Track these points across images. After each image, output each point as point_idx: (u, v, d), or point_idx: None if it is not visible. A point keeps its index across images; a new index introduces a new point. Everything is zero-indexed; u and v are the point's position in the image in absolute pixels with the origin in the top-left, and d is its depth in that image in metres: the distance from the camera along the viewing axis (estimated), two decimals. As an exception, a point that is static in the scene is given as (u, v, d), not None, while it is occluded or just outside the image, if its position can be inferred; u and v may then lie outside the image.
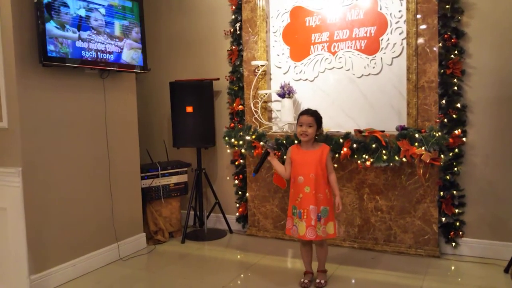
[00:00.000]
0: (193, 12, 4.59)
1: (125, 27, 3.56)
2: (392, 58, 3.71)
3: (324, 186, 3.00)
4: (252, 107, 4.15)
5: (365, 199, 3.76)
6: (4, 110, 2.99)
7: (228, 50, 4.39)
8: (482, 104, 3.43)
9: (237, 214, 4.45)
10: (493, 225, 3.47)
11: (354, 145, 3.51)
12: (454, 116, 3.45)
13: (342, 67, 3.91)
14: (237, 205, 4.45)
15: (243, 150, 4.06)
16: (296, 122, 3.09)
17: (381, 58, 3.75)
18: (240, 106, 4.30)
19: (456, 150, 3.48)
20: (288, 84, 3.99)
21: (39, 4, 2.92)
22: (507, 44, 3.33)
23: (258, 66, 4.12)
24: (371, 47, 3.79)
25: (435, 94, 3.47)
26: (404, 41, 3.62)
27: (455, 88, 3.44)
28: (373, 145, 3.45)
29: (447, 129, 3.46)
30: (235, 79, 4.34)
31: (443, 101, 3.47)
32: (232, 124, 4.35)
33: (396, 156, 3.38)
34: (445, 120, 3.47)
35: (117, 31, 3.49)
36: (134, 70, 3.72)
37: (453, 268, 3.37)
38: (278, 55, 4.20)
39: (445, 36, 3.42)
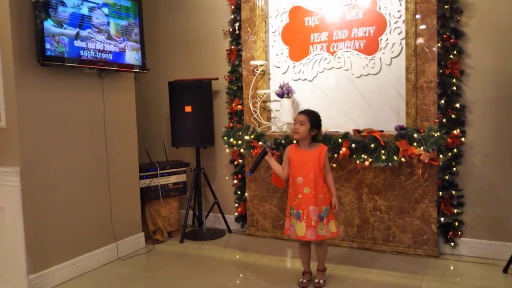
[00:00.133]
0: (192, 11, 4.59)
1: (123, 26, 3.55)
2: (391, 58, 3.72)
3: (323, 186, 3.00)
4: (251, 107, 4.15)
5: (364, 199, 3.76)
6: (2, 110, 2.98)
7: (227, 50, 4.39)
8: (481, 104, 3.44)
9: (236, 214, 4.45)
10: (492, 225, 3.47)
11: (353, 145, 3.51)
12: (453, 116, 3.45)
13: (341, 67, 3.91)
14: (236, 205, 4.45)
15: (242, 150, 4.06)
16: None
17: (380, 58, 3.76)
18: (239, 106, 4.30)
19: (455, 150, 3.48)
20: (287, 84, 3.99)
21: (37, 2, 2.91)
22: (506, 44, 3.33)
23: (257, 66, 4.12)
24: (370, 47, 3.79)
25: (434, 94, 3.47)
26: (403, 41, 3.62)
27: (454, 88, 3.44)
28: (372, 145, 3.45)
29: (446, 129, 3.46)
30: (234, 79, 4.34)
31: (442, 101, 3.47)
32: (231, 124, 4.35)
33: (395, 156, 3.38)
34: (444, 120, 3.47)
35: (116, 31, 3.48)
36: (133, 70, 3.72)
37: (451, 268, 3.37)
38: (277, 55, 4.20)
39: (444, 36, 3.42)
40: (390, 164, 3.42)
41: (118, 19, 3.50)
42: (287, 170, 3.09)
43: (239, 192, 4.42)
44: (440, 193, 3.53)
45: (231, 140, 4.07)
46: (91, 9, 3.26)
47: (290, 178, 3.06)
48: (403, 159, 3.36)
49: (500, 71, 3.36)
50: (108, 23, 3.41)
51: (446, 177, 3.50)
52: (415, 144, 3.30)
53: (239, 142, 4.01)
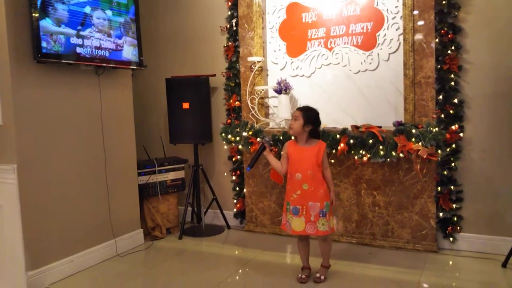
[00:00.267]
0: (189, 8, 4.57)
1: (120, 23, 3.54)
2: (389, 53, 3.71)
3: (322, 182, 3.00)
4: (249, 103, 4.15)
5: (362, 194, 3.76)
6: (-1, 107, 2.97)
7: (224, 46, 4.38)
8: (479, 100, 3.44)
9: (235, 210, 4.45)
10: (490, 220, 3.47)
11: (351, 141, 3.51)
12: (451, 111, 3.45)
13: (338, 63, 3.91)
14: (235, 201, 4.45)
15: (240, 146, 4.06)
16: None
17: (378, 54, 3.75)
18: (236, 102, 4.29)
19: (453, 145, 3.48)
20: (285, 80, 3.98)
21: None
22: (504, 39, 3.33)
23: (255, 62, 4.11)
24: (368, 43, 3.78)
25: (432, 90, 3.47)
26: (401, 37, 3.61)
27: (452, 83, 3.44)
28: (370, 141, 3.45)
29: (444, 125, 3.46)
30: (231, 75, 4.33)
31: (440, 97, 3.47)
32: (229, 120, 4.34)
33: (393, 152, 3.38)
34: (442, 115, 3.47)
35: (113, 27, 3.47)
36: (130, 67, 3.71)
37: (450, 263, 3.38)
38: (274, 51, 4.20)
39: (442, 31, 3.42)
40: (388, 159, 3.43)
41: (115, 16, 3.48)
42: (285, 166, 3.08)
43: (237, 188, 4.41)
44: (439, 188, 3.53)
45: (229, 136, 4.06)
46: (88, 6, 3.24)
47: (288, 174, 3.06)
48: (401, 155, 3.37)
49: (498, 66, 3.36)
50: (105, 19, 3.40)
51: (445, 172, 3.50)
52: (413, 139, 3.31)
53: (237, 138, 4.01)
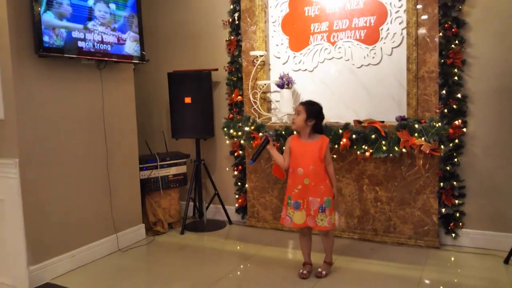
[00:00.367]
0: (191, 2, 4.55)
1: (123, 17, 3.52)
2: (392, 48, 3.68)
3: (325, 177, 2.98)
4: (251, 98, 4.13)
5: (364, 190, 3.74)
6: (0, 101, 2.96)
7: (226, 40, 4.36)
8: (483, 95, 3.41)
9: (237, 205, 4.44)
10: (493, 216, 3.45)
11: (354, 136, 3.49)
12: (454, 106, 3.42)
13: (341, 57, 3.88)
14: (237, 196, 4.45)
15: (242, 141, 4.05)
16: None
17: (381, 48, 3.72)
18: (239, 97, 4.27)
19: (456, 140, 3.46)
20: (287, 74, 3.96)
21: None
22: (509, 33, 3.30)
23: (257, 56, 4.09)
24: (371, 37, 3.75)
25: (435, 84, 3.44)
26: (404, 31, 3.58)
27: (456, 78, 3.41)
28: (373, 136, 3.43)
29: (447, 120, 3.44)
30: (233, 69, 4.31)
31: (444, 92, 3.44)
32: (231, 115, 4.33)
33: (395, 147, 3.36)
34: (445, 110, 3.45)
35: (116, 21, 3.45)
36: (132, 61, 3.69)
37: (452, 259, 3.36)
38: (277, 45, 4.17)
39: (446, 25, 3.39)
40: (391, 155, 3.41)
41: (118, 9, 3.46)
42: (288, 161, 3.07)
43: (239, 184, 4.41)
44: (441, 184, 3.51)
45: (231, 131, 4.05)
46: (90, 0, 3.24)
47: (290, 168, 3.05)
48: (404, 150, 3.35)
49: (503, 61, 3.33)
50: (107, 13, 3.38)
51: (447, 168, 3.49)
52: (416, 134, 3.29)
53: (239, 133, 4.00)
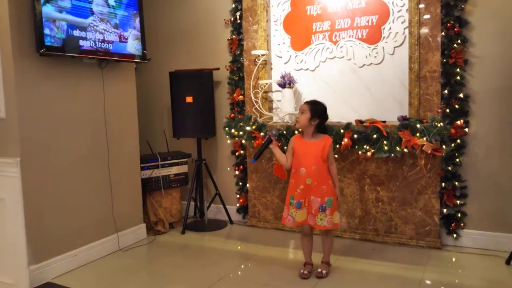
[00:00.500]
0: (193, 1, 4.54)
1: (124, 16, 3.51)
2: (394, 47, 3.67)
3: (327, 177, 2.98)
4: (253, 97, 4.12)
5: (366, 190, 3.73)
6: (2, 100, 2.96)
7: (228, 40, 4.35)
8: (485, 94, 3.39)
9: (238, 205, 4.44)
10: (495, 216, 3.44)
11: (355, 136, 3.48)
12: (456, 106, 3.41)
13: (343, 57, 3.87)
14: (238, 196, 4.44)
15: (243, 141, 4.04)
16: None
17: (383, 47, 3.71)
18: (240, 96, 4.27)
19: (458, 140, 3.44)
20: (289, 74, 3.95)
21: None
22: (511, 33, 3.28)
23: (259, 55, 4.08)
24: (373, 36, 3.74)
25: (438, 84, 3.43)
26: (406, 30, 3.57)
27: (458, 78, 3.40)
28: (374, 136, 3.42)
29: (449, 120, 3.42)
30: (235, 69, 4.30)
31: (446, 91, 3.43)
32: (232, 115, 4.32)
33: (397, 147, 3.35)
34: (447, 110, 3.43)
35: (116, 20, 3.44)
36: (134, 60, 3.69)
37: (454, 259, 3.35)
38: (278, 44, 4.16)
39: (448, 25, 3.37)
40: (392, 155, 3.40)
41: (118, 8, 3.45)
42: (290, 160, 3.06)
43: (240, 183, 4.40)
44: (443, 184, 3.50)
45: (233, 131, 4.04)
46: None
47: (293, 168, 3.04)
48: (405, 150, 3.33)
49: (505, 60, 3.31)
50: (109, 12, 3.37)
51: (449, 168, 3.47)
52: (418, 134, 3.27)
53: (241, 133, 3.99)
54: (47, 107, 3.13)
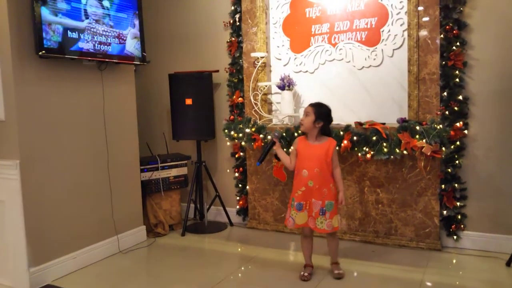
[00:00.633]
0: (192, 3, 4.55)
1: (123, 18, 3.52)
2: (393, 49, 3.68)
3: (329, 180, 2.97)
4: (252, 100, 4.12)
5: (366, 192, 3.73)
6: (1, 103, 2.96)
7: (227, 42, 4.35)
8: (484, 96, 3.40)
9: (238, 207, 4.44)
10: (495, 218, 3.44)
11: (355, 138, 3.48)
12: (455, 108, 3.41)
13: (342, 59, 3.88)
14: (238, 198, 4.44)
15: (243, 143, 4.04)
16: None
17: (382, 49, 3.72)
18: (239, 99, 4.27)
19: (458, 142, 3.45)
20: (288, 76, 3.95)
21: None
22: (510, 35, 3.28)
23: (258, 57, 4.08)
24: (372, 39, 3.75)
25: (437, 86, 3.44)
26: (405, 33, 3.58)
27: (457, 80, 3.40)
28: (374, 138, 3.42)
29: (449, 122, 3.42)
30: (234, 71, 4.31)
31: (445, 93, 3.44)
32: (232, 117, 4.32)
33: (397, 149, 3.35)
34: (447, 112, 3.44)
35: (116, 22, 3.44)
36: (133, 62, 3.69)
37: (454, 261, 3.35)
38: (278, 46, 4.17)
39: (447, 27, 3.38)
40: (392, 156, 3.40)
41: (117, 10, 3.46)
42: (294, 162, 3.06)
43: (240, 185, 4.40)
44: (443, 186, 3.50)
45: (232, 133, 4.05)
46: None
47: (295, 170, 3.05)
48: (405, 152, 3.34)
49: (504, 63, 3.32)
50: (108, 14, 3.38)
51: (449, 170, 3.48)
52: (417, 136, 3.28)
53: (240, 135, 3.99)
54: (47, 109, 3.13)
